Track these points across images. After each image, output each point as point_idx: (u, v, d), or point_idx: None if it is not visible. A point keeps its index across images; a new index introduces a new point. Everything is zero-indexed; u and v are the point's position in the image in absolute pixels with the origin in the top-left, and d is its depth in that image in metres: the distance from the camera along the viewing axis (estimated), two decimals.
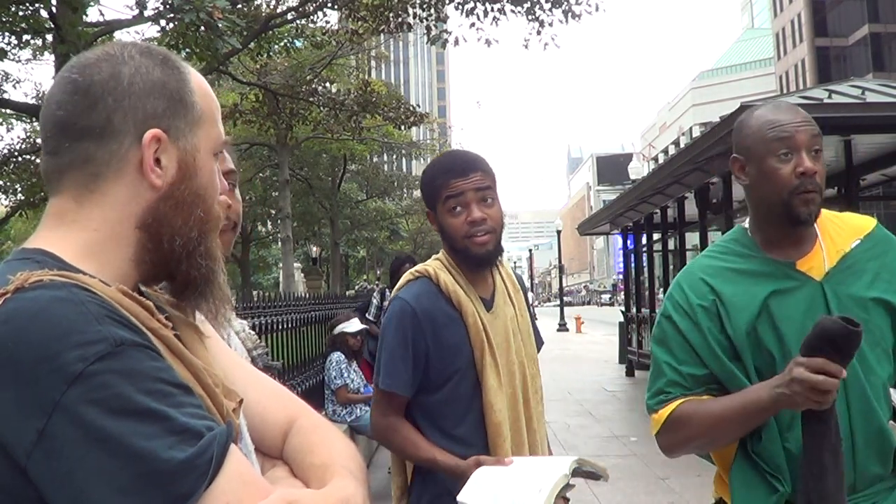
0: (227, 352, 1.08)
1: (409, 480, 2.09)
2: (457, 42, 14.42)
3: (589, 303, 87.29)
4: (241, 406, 0.91)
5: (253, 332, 1.75)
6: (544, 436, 2.18)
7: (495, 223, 2.02)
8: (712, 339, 1.67)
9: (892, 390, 1.67)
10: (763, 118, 1.71)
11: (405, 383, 1.99)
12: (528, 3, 13.47)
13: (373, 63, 29.16)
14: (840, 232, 1.75)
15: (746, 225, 1.80)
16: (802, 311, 1.64)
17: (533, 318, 2.29)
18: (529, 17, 13.63)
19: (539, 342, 2.29)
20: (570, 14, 13.53)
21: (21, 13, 10.02)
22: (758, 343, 1.65)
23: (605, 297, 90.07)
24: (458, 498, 1.71)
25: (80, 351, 0.72)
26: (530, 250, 60.49)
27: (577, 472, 1.78)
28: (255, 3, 13.80)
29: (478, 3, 13.56)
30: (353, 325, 6.47)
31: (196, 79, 0.95)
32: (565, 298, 39.32)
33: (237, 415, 0.88)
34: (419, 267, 2.14)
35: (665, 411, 1.70)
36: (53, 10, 9.59)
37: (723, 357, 1.65)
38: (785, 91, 53.03)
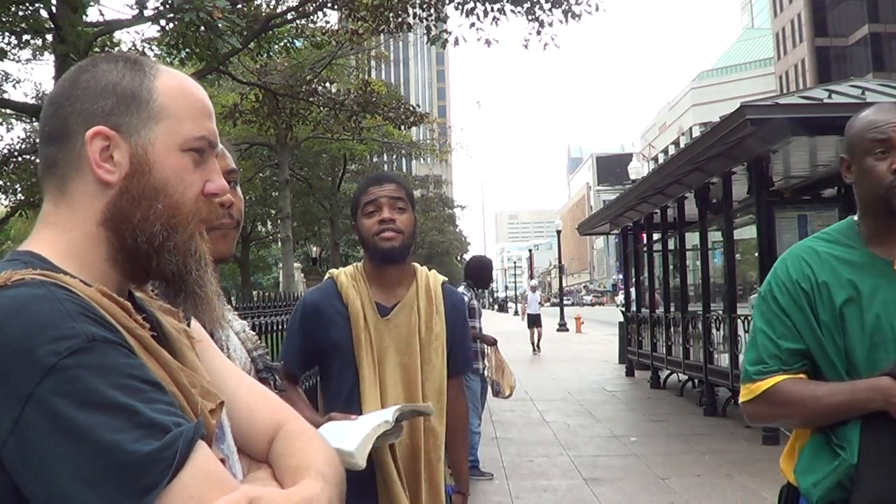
0: (219, 356, 1.09)
1: None
2: (457, 42, 14.40)
3: (577, 304, 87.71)
4: (223, 408, 0.93)
5: (253, 333, 1.76)
6: (436, 434, 2.36)
7: (404, 227, 2.32)
8: (810, 315, 1.77)
9: None
10: (865, 119, 1.81)
11: (292, 359, 2.41)
12: (528, 3, 13.45)
13: (373, 63, 29.13)
14: None
15: (857, 217, 1.87)
16: (891, 308, 1.71)
17: (460, 339, 2.47)
18: (529, 17, 13.61)
19: (463, 366, 2.50)
20: (569, 14, 13.51)
21: (21, 13, 10.01)
22: (843, 329, 1.73)
23: (587, 298, 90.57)
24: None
25: (53, 345, 0.76)
26: (530, 250, 60.49)
27: (403, 416, 2.04)
28: (255, 3, 13.79)
29: (478, 3, 13.55)
30: None
31: (168, 78, 0.96)
32: (555, 300, 39.41)
33: (216, 416, 0.90)
34: (332, 270, 2.49)
35: (764, 384, 1.78)
36: (53, 10, 9.58)
37: (818, 332, 1.75)
38: (785, 91, 52.98)
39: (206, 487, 0.78)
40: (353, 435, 1.91)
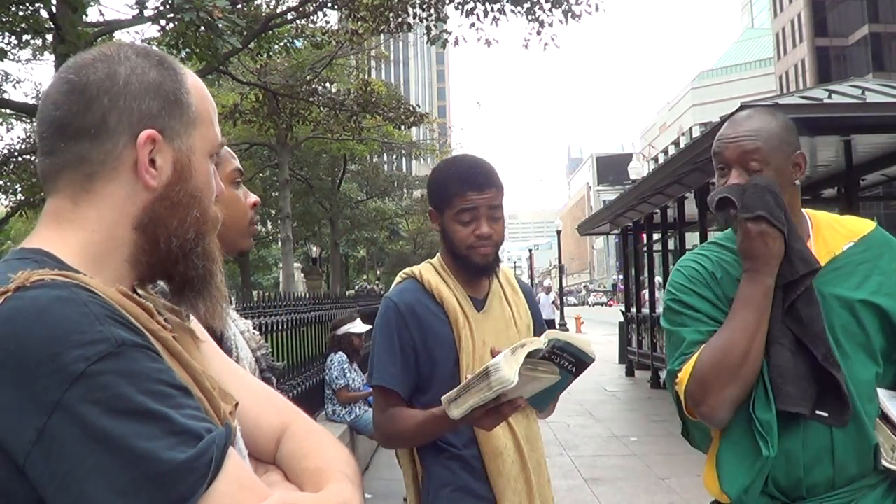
0: (221, 356, 1.07)
1: (420, 476, 2.11)
2: (457, 42, 14.42)
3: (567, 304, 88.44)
4: (237, 410, 0.91)
5: (257, 333, 1.76)
6: (537, 429, 2.22)
7: (499, 238, 2.10)
8: (717, 303, 1.73)
9: (880, 390, 1.68)
10: (722, 129, 1.78)
11: (394, 377, 2.04)
12: (528, 3, 13.47)
13: (373, 63, 29.15)
14: (835, 234, 1.78)
15: None
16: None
17: (540, 327, 2.28)
18: (529, 18, 13.63)
19: None
20: (569, 14, 13.53)
21: (21, 13, 10.02)
22: None
23: (572, 299, 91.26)
24: (442, 398, 1.72)
25: (81, 351, 0.72)
26: (530, 250, 60.40)
27: (561, 347, 1.70)
28: (255, 3, 13.80)
29: (478, 3, 13.56)
30: (359, 325, 6.52)
31: (192, 81, 0.94)
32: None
33: (233, 418, 0.88)
34: (407, 270, 2.22)
35: (688, 365, 1.67)
36: (53, 10, 9.60)
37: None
38: (785, 91, 52.99)
39: (242, 495, 0.76)
40: (496, 357, 1.61)
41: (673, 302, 1.78)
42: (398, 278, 2.22)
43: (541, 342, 1.65)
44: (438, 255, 2.21)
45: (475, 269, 2.10)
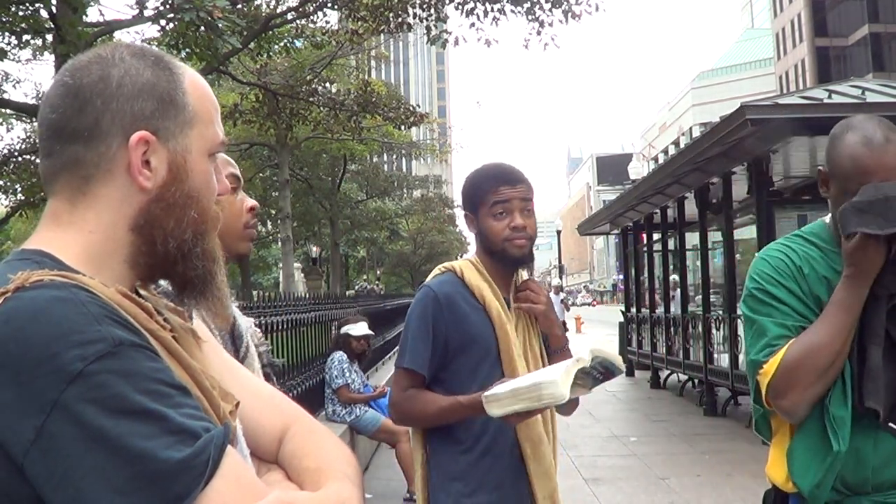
0: (223, 356, 1.07)
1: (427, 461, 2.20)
2: (457, 42, 14.44)
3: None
4: (238, 409, 0.91)
5: (258, 330, 1.78)
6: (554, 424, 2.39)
7: (532, 232, 2.20)
8: (804, 298, 1.75)
9: None
10: (853, 149, 1.71)
11: (424, 360, 2.13)
12: (528, 3, 13.49)
13: (373, 63, 29.17)
14: None
15: (827, 220, 1.84)
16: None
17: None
18: (529, 18, 13.65)
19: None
20: (569, 14, 13.54)
21: (21, 13, 10.03)
22: None
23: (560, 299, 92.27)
24: (483, 394, 1.79)
25: (79, 350, 0.73)
26: None
27: (597, 360, 1.87)
28: (255, 3, 13.81)
29: (478, 4, 13.58)
30: (359, 328, 6.46)
31: (191, 79, 0.94)
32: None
33: (234, 417, 0.88)
34: (447, 264, 2.32)
35: (776, 358, 1.70)
36: (53, 10, 9.61)
37: (816, 312, 1.73)
38: (785, 91, 52.98)
39: (239, 494, 0.77)
40: (548, 372, 1.75)
41: (758, 291, 1.79)
42: (436, 271, 2.30)
43: (587, 360, 1.79)
44: (475, 254, 2.30)
45: (512, 261, 2.19)
